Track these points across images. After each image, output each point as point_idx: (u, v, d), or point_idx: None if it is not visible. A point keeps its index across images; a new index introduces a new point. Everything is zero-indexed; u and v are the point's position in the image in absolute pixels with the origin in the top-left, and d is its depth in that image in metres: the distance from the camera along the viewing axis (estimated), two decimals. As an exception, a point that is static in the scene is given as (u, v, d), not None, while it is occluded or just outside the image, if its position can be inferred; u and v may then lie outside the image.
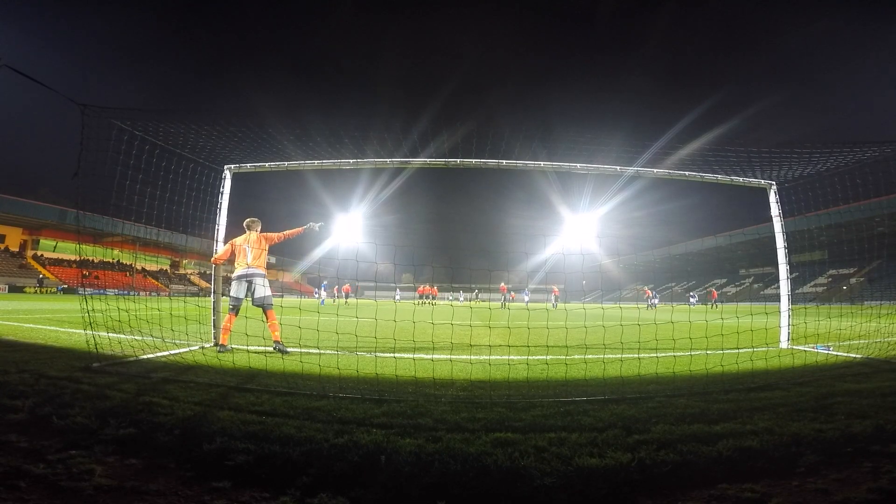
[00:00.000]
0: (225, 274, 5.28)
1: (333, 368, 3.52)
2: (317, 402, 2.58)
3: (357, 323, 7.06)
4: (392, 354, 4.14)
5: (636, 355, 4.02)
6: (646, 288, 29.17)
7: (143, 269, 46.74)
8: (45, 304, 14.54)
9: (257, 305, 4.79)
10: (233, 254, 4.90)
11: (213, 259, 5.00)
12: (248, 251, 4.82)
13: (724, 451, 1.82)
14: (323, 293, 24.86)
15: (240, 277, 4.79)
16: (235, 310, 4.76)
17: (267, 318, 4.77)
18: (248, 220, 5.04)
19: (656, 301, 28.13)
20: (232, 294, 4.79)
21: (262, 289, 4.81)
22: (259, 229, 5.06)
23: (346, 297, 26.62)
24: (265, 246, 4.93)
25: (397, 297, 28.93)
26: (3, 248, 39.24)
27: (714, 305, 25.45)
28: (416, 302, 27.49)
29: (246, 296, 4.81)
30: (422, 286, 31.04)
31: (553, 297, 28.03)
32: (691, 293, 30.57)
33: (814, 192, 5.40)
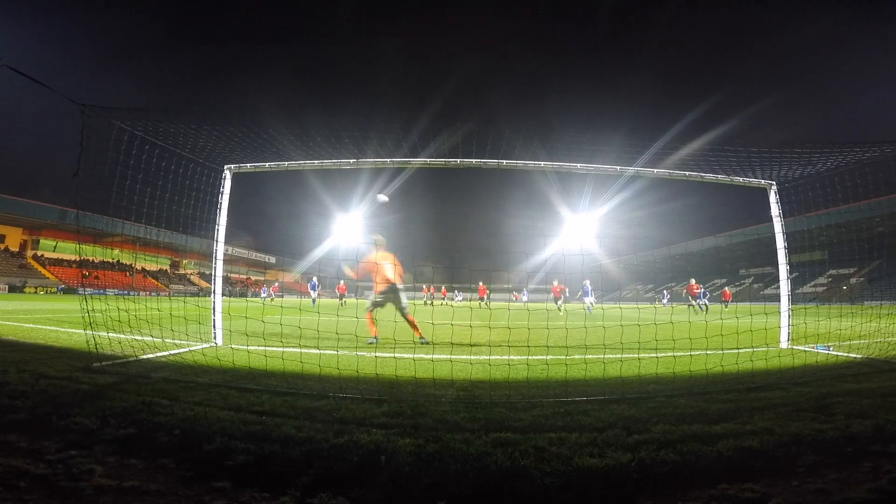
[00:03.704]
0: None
1: (333, 368, 3.52)
2: (317, 402, 2.58)
3: (357, 323, 7.07)
4: (392, 354, 4.14)
5: (636, 355, 4.01)
6: (693, 283, 18.03)
7: (143, 269, 46.74)
8: (45, 304, 14.54)
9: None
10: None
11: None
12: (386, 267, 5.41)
13: (723, 451, 1.82)
14: (312, 293, 22.70)
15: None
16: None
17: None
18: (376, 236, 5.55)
19: (705, 300, 18.15)
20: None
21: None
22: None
23: (342, 297, 24.47)
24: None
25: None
26: (3, 248, 39.24)
27: (726, 306, 22.69)
28: (423, 302, 27.15)
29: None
30: (425, 287, 30.57)
31: (554, 298, 20.63)
32: (666, 292, 28.69)
33: (814, 192, 5.40)
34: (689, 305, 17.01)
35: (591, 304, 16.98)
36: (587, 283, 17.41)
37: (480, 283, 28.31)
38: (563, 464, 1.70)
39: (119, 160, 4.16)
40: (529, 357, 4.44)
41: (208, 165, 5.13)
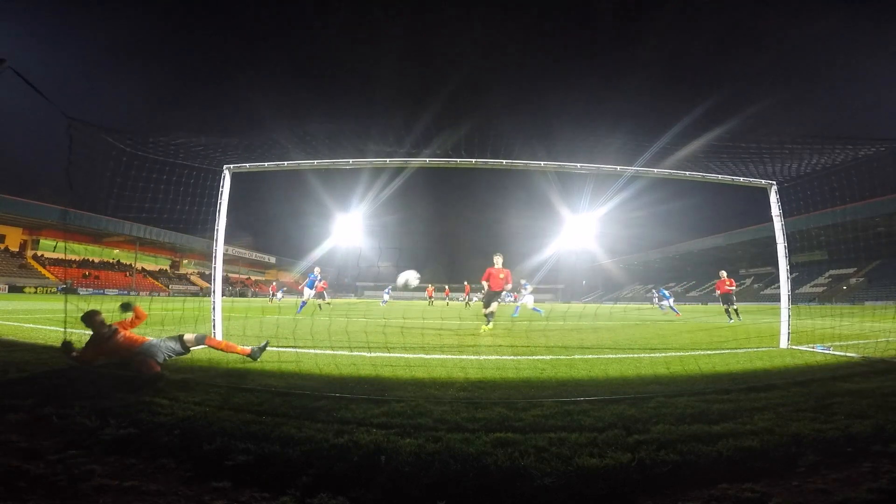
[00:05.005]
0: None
1: (333, 368, 3.52)
2: (317, 402, 2.57)
3: (354, 323, 7.07)
4: (392, 354, 4.14)
5: (636, 355, 4.02)
6: (724, 277, 11.90)
7: (143, 269, 46.74)
8: (45, 304, 14.53)
9: None
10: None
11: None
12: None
13: (724, 451, 1.82)
14: (308, 291, 14.51)
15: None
16: None
17: None
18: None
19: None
20: None
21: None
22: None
23: (322, 296, 15.98)
24: None
25: (385, 298, 27.35)
26: (3, 248, 39.24)
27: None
28: (427, 303, 27.05)
29: None
30: (429, 287, 30.38)
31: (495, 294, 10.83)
32: (654, 290, 28.08)
33: (814, 192, 5.39)
34: (726, 309, 11.46)
35: (524, 304, 13.57)
36: (523, 282, 14.20)
37: (465, 283, 28.40)
38: (563, 464, 1.70)
39: (119, 161, 4.17)
40: (529, 357, 4.44)
41: (207, 166, 5.13)
